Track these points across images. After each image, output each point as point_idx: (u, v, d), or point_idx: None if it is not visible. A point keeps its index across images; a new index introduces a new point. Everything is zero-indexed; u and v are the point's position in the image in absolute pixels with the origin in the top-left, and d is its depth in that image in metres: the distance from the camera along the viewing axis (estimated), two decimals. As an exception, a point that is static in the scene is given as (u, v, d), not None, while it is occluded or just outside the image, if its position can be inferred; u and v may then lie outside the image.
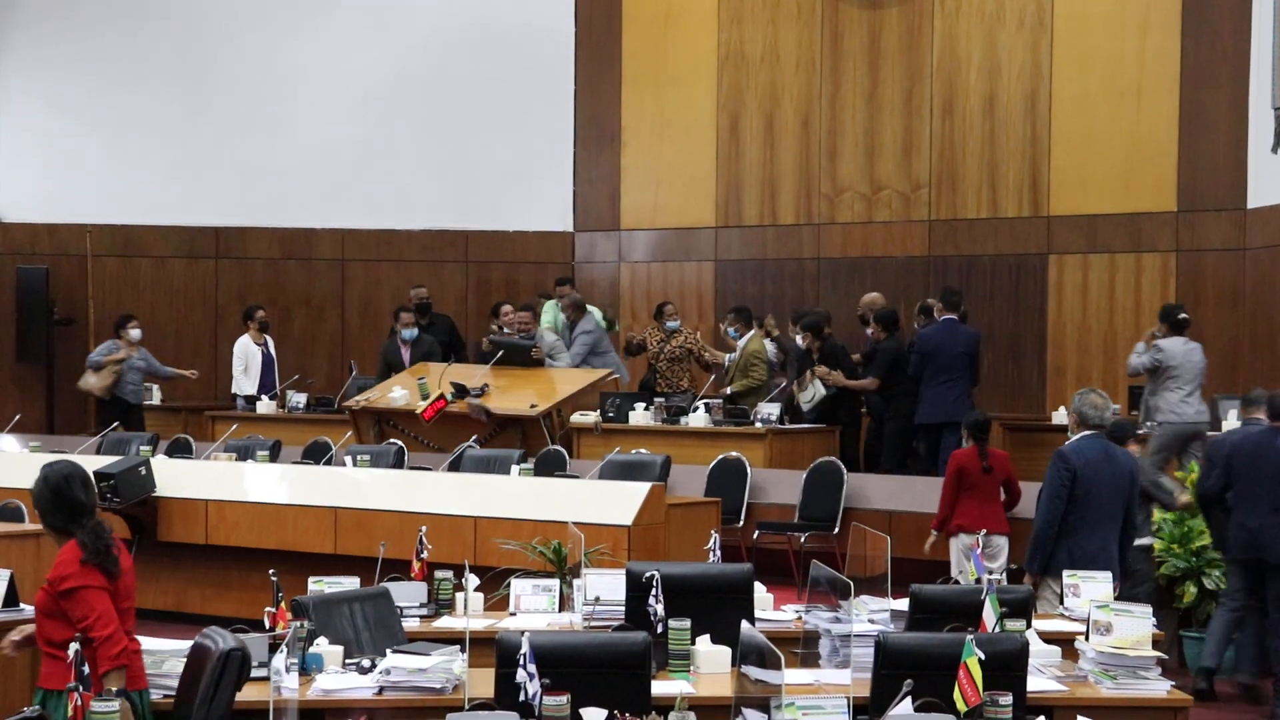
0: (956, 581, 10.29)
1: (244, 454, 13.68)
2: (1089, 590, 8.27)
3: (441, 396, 14.42)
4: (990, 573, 9.99)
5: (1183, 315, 13.37)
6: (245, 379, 17.05)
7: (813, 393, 14.76)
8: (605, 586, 7.62)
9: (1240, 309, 15.68)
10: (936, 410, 13.93)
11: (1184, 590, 10.73)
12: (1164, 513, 10.93)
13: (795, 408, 14.90)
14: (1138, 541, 10.05)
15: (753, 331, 15.61)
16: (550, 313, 16.72)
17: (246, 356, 17.12)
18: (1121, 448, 9.62)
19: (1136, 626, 6.86)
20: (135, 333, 16.99)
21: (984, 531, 10.77)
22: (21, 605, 8.25)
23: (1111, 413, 9.47)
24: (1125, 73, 16.34)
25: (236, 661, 5.80)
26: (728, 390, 15.26)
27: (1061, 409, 14.49)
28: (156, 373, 17.32)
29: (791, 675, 5.94)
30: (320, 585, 8.09)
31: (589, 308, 16.42)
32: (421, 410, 14.36)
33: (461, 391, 14.47)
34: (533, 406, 14.44)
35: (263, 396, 16.87)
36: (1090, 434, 9.28)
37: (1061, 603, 8.47)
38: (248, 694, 6.36)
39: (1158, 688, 6.75)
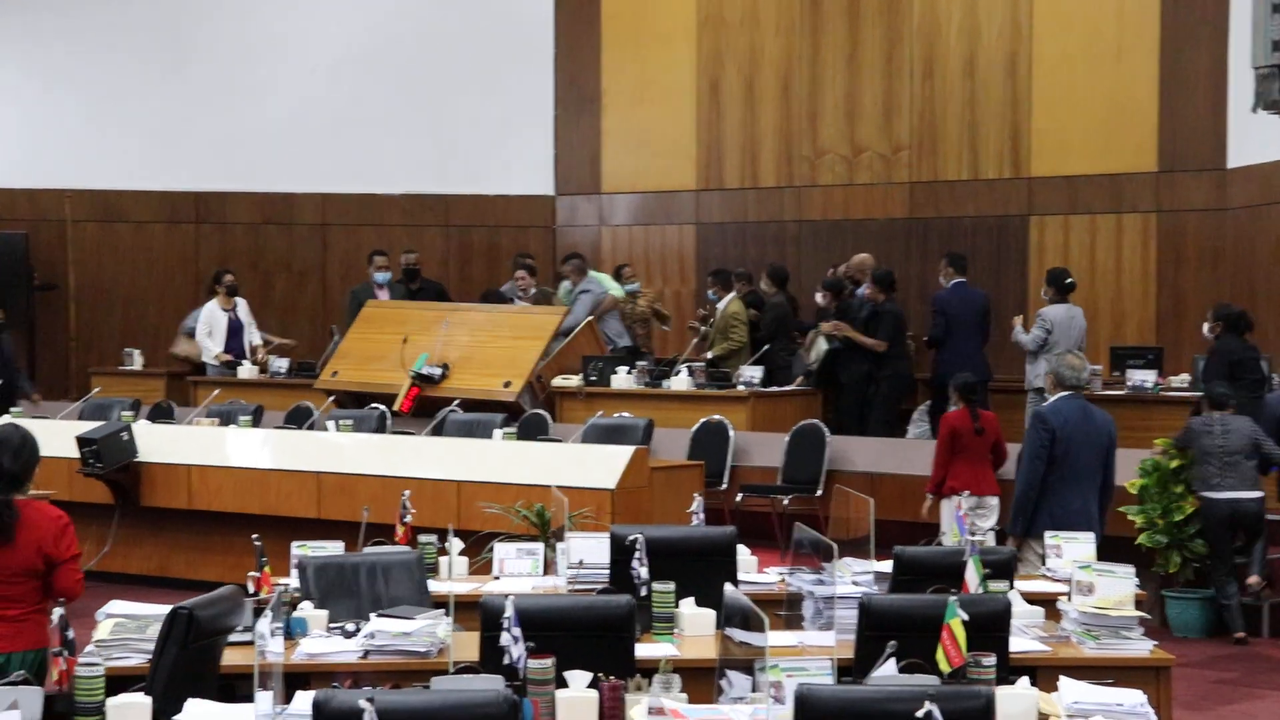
0: (941, 543, 10.35)
1: (226, 419, 13.65)
2: (1071, 551, 8.30)
3: (414, 385, 14.36)
4: (980, 533, 10.11)
5: (1069, 280, 13.91)
6: (210, 343, 16.97)
7: (818, 350, 14.83)
8: (589, 550, 7.62)
9: (1221, 269, 15.70)
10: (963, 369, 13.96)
11: (1167, 560, 10.77)
12: (1145, 480, 10.96)
13: (788, 366, 14.96)
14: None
15: (731, 294, 15.61)
16: (563, 296, 16.70)
17: (211, 321, 17.03)
18: (1100, 409, 9.67)
19: (1119, 587, 6.88)
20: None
21: (967, 493, 10.83)
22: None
23: (1089, 373, 9.52)
24: (1105, 33, 16.31)
25: (182, 620, 5.79)
26: (709, 354, 15.25)
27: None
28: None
29: (775, 637, 5.93)
30: (304, 549, 8.09)
31: (597, 274, 16.43)
32: (398, 404, 14.30)
33: (423, 380, 14.40)
34: (506, 385, 14.39)
35: (242, 362, 16.82)
36: (1068, 394, 9.38)
37: (1044, 563, 8.51)
38: (232, 658, 6.38)
39: (1140, 647, 6.76)
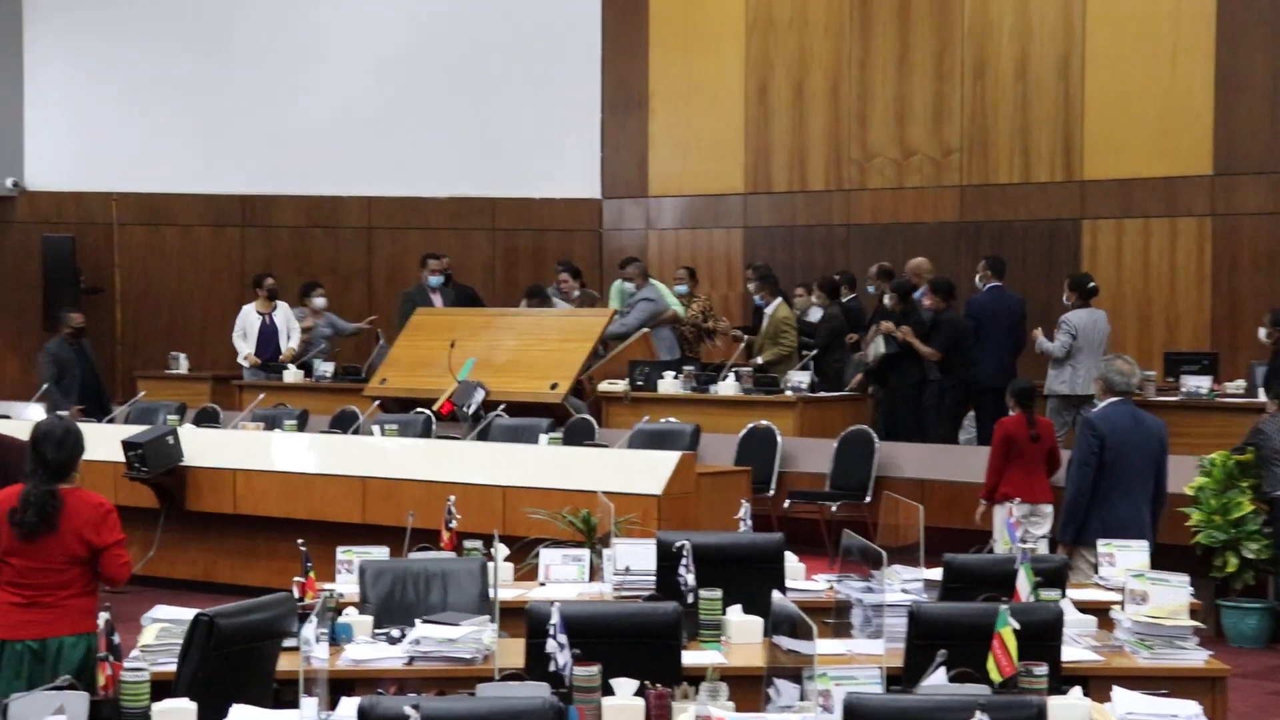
0: (992, 550, 10.25)
1: (272, 423, 13.66)
2: (1124, 559, 8.21)
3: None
4: (1033, 541, 10.06)
5: (1092, 285, 13.95)
6: (243, 344, 17.02)
7: (876, 350, 14.74)
8: (635, 556, 7.60)
9: (1277, 273, 15.54)
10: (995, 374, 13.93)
11: (1224, 560, 10.65)
12: (1204, 479, 10.84)
13: (839, 375, 14.89)
14: None
15: (779, 299, 15.51)
16: (616, 294, 16.66)
17: (245, 323, 17.07)
18: (1151, 415, 9.57)
19: (1173, 595, 6.81)
20: (320, 300, 17.17)
21: (1019, 500, 10.71)
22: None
23: (1139, 378, 9.41)
24: (1160, 34, 16.16)
25: (204, 626, 5.77)
26: (758, 360, 15.16)
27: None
28: (343, 333, 17.47)
29: (824, 645, 5.90)
30: (349, 555, 8.08)
31: (659, 284, 16.40)
32: (439, 405, 14.26)
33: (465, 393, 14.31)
34: (553, 387, 14.35)
35: (288, 365, 16.85)
36: (1117, 400, 9.28)
37: (1096, 572, 8.42)
38: (278, 664, 6.36)
39: (1195, 657, 6.69)
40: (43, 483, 6.52)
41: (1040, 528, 11.06)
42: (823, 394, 14.55)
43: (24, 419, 14.08)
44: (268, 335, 17.09)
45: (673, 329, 16.16)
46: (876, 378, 14.67)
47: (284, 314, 17.26)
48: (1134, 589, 6.87)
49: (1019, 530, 10.73)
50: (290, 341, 17.15)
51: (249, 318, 17.08)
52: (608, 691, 5.58)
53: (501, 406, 13.65)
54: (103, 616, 5.72)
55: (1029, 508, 11.03)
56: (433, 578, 7.28)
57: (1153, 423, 9.49)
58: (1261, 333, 12.56)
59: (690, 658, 6.28)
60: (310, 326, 17.14)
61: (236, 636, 5.85)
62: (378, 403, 14.63)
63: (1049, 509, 11.14)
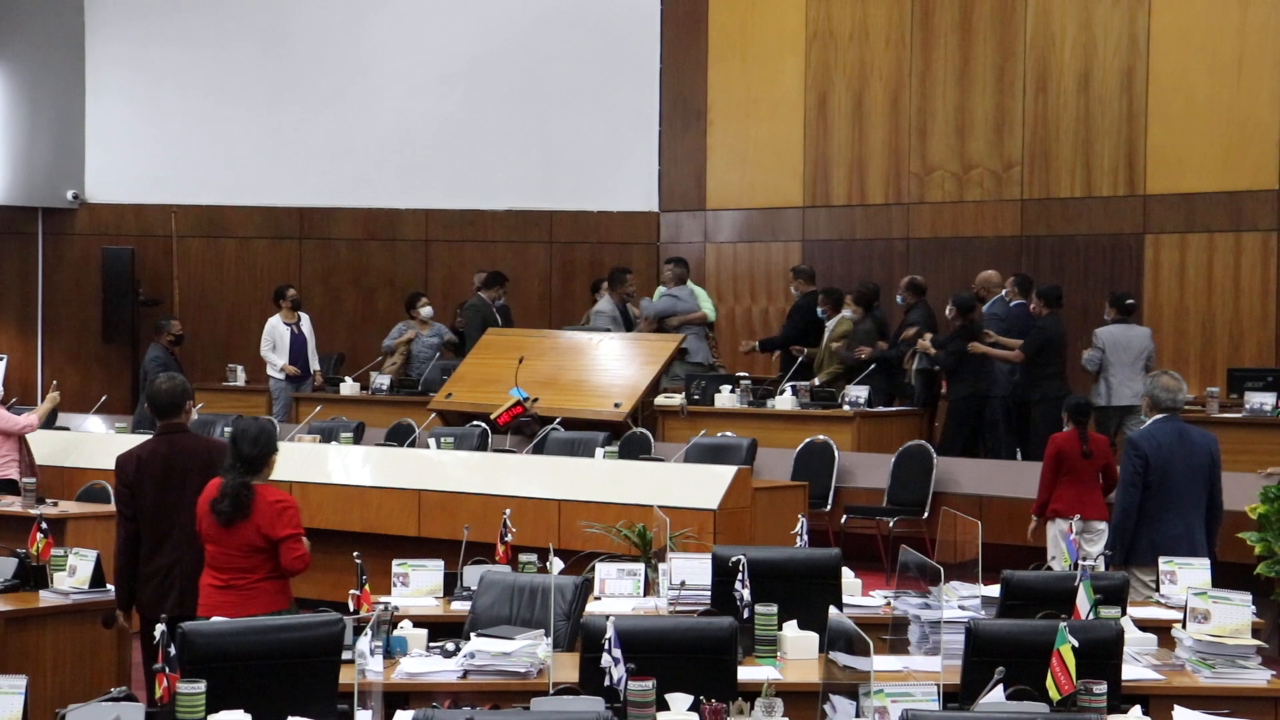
0: (1050, 567, 10.17)
1: (328, 436, 13.69)
2: (1186, 577, 8.14)
3: (519, 403, 14.30)
4: (1088, 559, 9.94)
5: (1129, 301, 14.15)
6: (274, 356, 17.09)
7: (915, 365, 14.77)
8: (691, 571, 7.58)
9: (1342, 289, 15.40)
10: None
11: (1284, 589, 10.51)
12: (1265, 506, 10.71)
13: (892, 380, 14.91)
14: None
15: (840, 314, 15.44)
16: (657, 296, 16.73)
17: (274, 336, 17.15)
18: (1200, 429, 9.52)
19: (1235, 614, 6.74)
20: (426, 310, 17.20)
21: (1077, 516, 10.62)
22: (108, 586, 8.27)
23: (1184, 396, 9.34)
24: (1225, 47, 16.01)
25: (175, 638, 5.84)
26: (817, 380, 15.01)
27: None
28: (451, 342, 17.50)
29: (880, 662, 5.85)
30: (404, 568, 8.08)
31: (698, 289, 16.42)
32: (497, 415, 14.26)
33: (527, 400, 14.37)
34: (616, 406, 14.35)
35: (309, 376, 17.00)
36: (1163, 417, 9.22)
37: (1155, 590, 8.34)
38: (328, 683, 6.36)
39: (1258, 677, 6.61)
40: (238, 476, 7.21)
41: (1095, 545, 10.88)
42: (880, 409, 14.51)
43: (83, 430, 14.18)
44: (298, 346, 17.16)
45: (703, 335, 16.23)
46: (921, 394, 14.67)
47: (308, 325, 17.35)
48: (1196, 607, 6.80)
49: (1076, 547, 10.75)
50: (312, 354, 17.29)
51: (278, 330, 17.15)
52: (662, 706, 5.57)
53: (557, 420, 13.64)
54: (160, 628, 5.72)
55: (1081, 524, 10.81)
56: (535, 591, 7.31)
57: (1201, 438, 9.39)
58: None
59: (746, 673, 6.25)
60: (413, 337, 17.19)
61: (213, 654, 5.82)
62: (434, 415, 14.64)
63: (1102, 526, 11.00)
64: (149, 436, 8.12)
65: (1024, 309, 14.67)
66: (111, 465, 11.79)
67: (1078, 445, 11.02)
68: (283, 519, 7.23)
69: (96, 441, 13.70)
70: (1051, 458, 11.08)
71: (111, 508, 10.49)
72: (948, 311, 14.90)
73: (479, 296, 16.94)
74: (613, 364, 15.03)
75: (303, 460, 12.53)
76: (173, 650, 5.64)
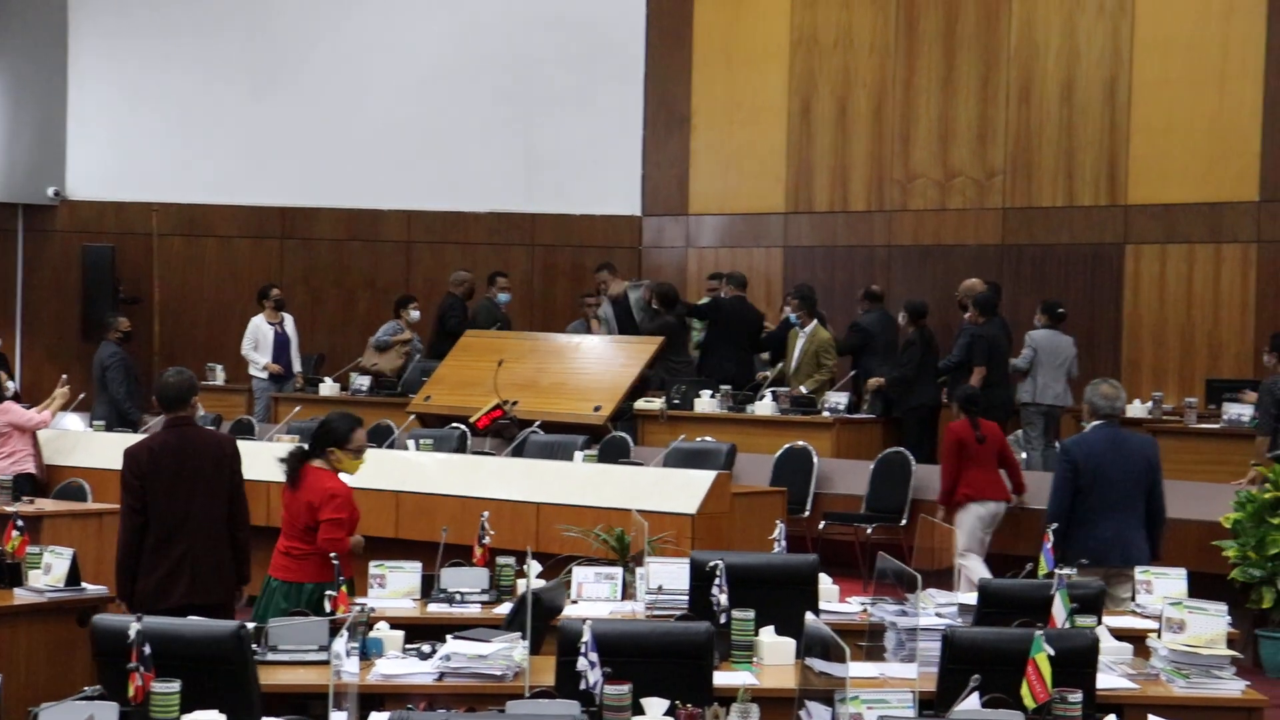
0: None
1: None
2: (1162, 587, 8.16)
3: (498, 406, 14.29)
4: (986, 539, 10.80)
5: (1060, 310, 14.78)
6: (257, 355, 17.08)
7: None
8: (668, 575, 7.58)
9: (1321, 300, 15.43)
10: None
11: (1260, 595, 10.55)
12: (1239, 513, 10.76)
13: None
14: None
15: (815, 321, 15.36)
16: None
17: (257, 335, 17.15)
18: (1138, 434, 9.96)
19: (1210, 624, 6.75)
20: (415, 314, 17.19)
21: (988, 501, 11.49)
22: (84, 584, 8.25)
23: (1122, 403, 9.59)
24: (1208, 58, 16.05)
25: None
26: (802, 389, 14.96)
27: (1136, 402, 14.50)
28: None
29: (856, 668, 5.86)
30: (382, 569, 8.08)
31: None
32: (476, 418, 14.24)
33: (506, 404, 14.35)
34: (596, 409, 14.34)
35: (293, 375, 17.00)
36: (1100, 423, 9.45)
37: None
38: (307, 677, 6.37)
39: (1232, 687, 6.62)
40: (300, 450, 8.08)
41: (994, 526, 11.58)
42: (860, 415, 14.55)
43: (60, 428, 14.12)
44: (282, 346, 17.16)
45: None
46: (884, 403, 14.75)
47: (291, 325, 17.35)
48: (1171, 617, 6.81)
49: (983, 533, 11.42)
50: (295, 354, 17.28)
51: (261, 329, 17.18)
52: (638, 711, 5.56)
53: (537, 423, 13.63)
54: (134, 628, 5.70)
55: (992, 506, 11.56)
56: None
57: (1138, 443, 9.64)
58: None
59: (722, 678, 6.25)
60: (409, 339, 17.18)
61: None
62: (413, 417, 14.62)
63: (1004, 507, 11.67)
64: (156, 430, 8.41)
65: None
66: (88, 463, 11.78)
67: (971, 432, 11.55)
68: (330, 505, 7.84)
69: (73, 439, 13.66)
70: (952, 446, 11.60)
71: (88, 505, 10.52)
72: (901, 318, 15.00)
73: (487, 297, 16.92)
74: (593, 366, 15.03)
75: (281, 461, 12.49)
76: (147, 649, 5.62)
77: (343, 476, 8.06)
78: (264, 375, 16.99)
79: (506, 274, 17.49)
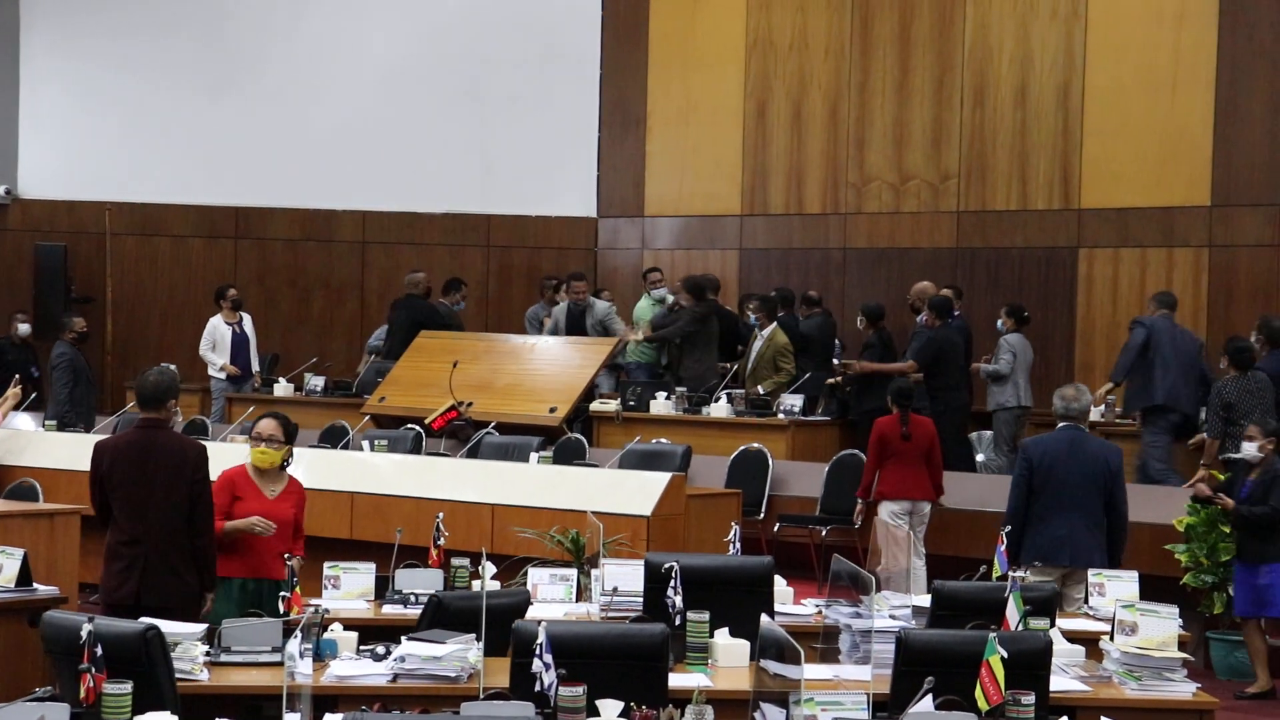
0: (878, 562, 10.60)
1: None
2: (1114, 589, 8.20)
3: (454, 407, 14.25)
4: (913, 537, 11.06)
5: (1026, 314, 15.00)
6: (214, 356, 17.01)
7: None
8: (623, 577, 7.58)
9: (1273, 305, 15.45)
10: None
11: (1211, 601, 10.61)
12: (1192, 518, 10.81)
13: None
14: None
15: (774, 324, 15.35)
16: (646, 307, 16.56)
17: (215, 336, 17.07)
18: (1100, 439, 10.07)
19: (1162, 627, 6.79)
20: None
21: (902, 499, 11.67)
22: (35, 585, 8.20)
23: (1079, 405, 9.69)
24: (1160, 65, 16.14)
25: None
26: (760, 389, 14.94)
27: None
28: None
29: (811, 670, 5.87)
30: (336, 570, 8.05)
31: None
32: (431, 420, 14.20)
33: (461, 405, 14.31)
34: (551, 410, 14.32)
35: (252, 375, 16.93)
36: (1064, 425, 9.62)
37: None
38: (261, 679, 6.34)
39: (1183, 689, 6.67)
40: None
41: (923, 526, 11.72)
42: (815, 418, 14.57)
43: (10, 428, 14.03)
44: (239, 345, 17.09)
45: None
46: (840, 405, 14.81)
47: (249, 325, 17.28)
48: (1124, 620, 6.85)
49: (901, 528, 11.54)
50: (254, 354, 17.22)
51: (219, 330, 17.09)
52: (593, 712, 5.55)
53: (492, 424, 13.61)
54: (85, 628, 5.67)
55: (908, 504, 11.71)
56: None
57: (1098, 448, 9.74)
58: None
59: (676, 680, 6.25)
60: None
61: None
62: (368, 418, 14.58)
63: (928, 507, 11.78)
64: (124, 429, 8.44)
65: (960, 321, 14.85)
66: (40, 463, 11.72)
67: (897, 429, 11.65)
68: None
69: (24, 439, 13.57)
70: (874, 442, 11.76)
71: (40, 505, 10.45)
72: (858, 322, 15.05)
73: (442, 303, 16.80)
74: (548, 368, 15.01)
75: (235, 461, 12.43)
76: (99, 650, 5.59)
77: (248, 466, 8.24)
78: (222, 376, 16.92)
79: (466, 283, 17.31)
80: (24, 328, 17.42)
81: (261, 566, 8.02)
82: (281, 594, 7.33)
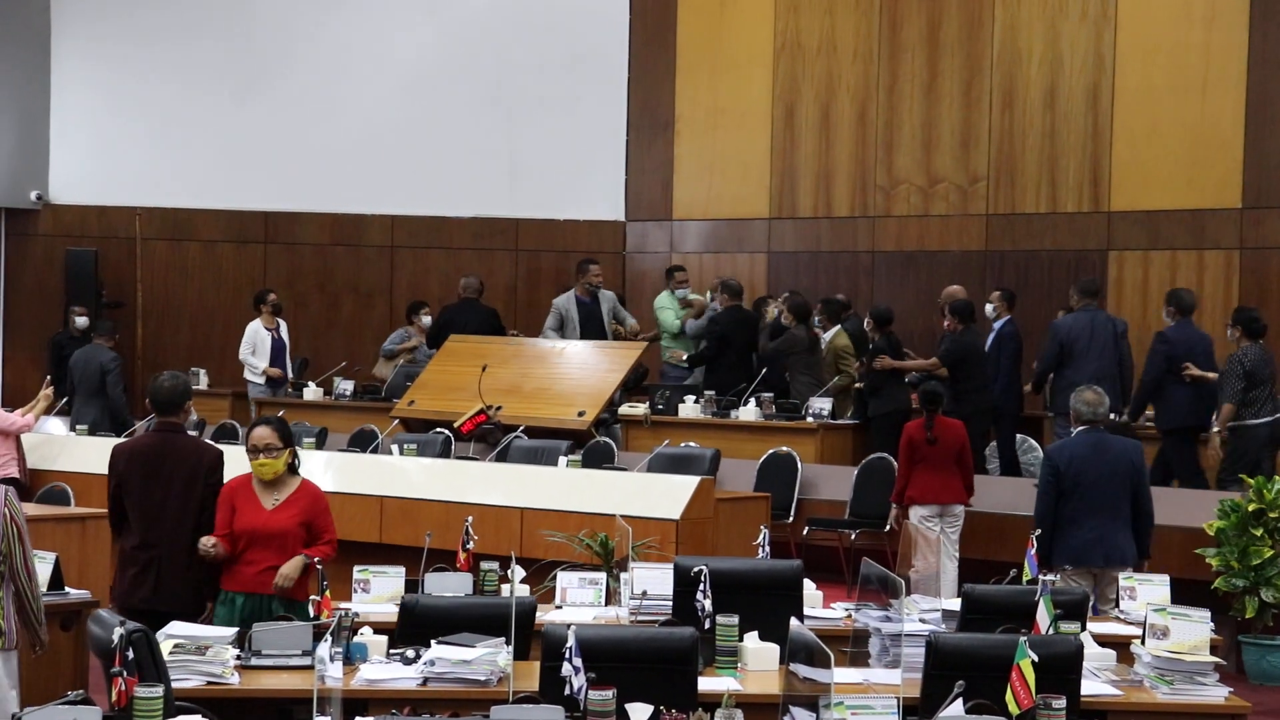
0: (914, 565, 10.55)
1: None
2: (1146, 594, 8.18)
3: (482, 411, 14.25)
4: (945, 541, 11.10)
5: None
6: (255, 360, 17.07)
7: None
8: (652, 581, 7.57)
9: (1305, 306, 15.43)
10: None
11: (1244, 605, 10.56)
12: (1222, 522, 10.78)
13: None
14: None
15: (837, 327, 15.36)
16: (669, 303, 16.55)
17: (255, 340, 17.12)
18: (1121, 438, 10.09)
19: (1194, 631, 6.76)
20: (427, 319, 17.08)
21: (931, 504, 11.69)
22: (67, 589, 8.23)
23: (1104, 410, 9.73)
24: (1190, 66, 16.08)
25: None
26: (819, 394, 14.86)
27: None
28: None
29: (840, 674, 5.86)
30: (365, 574, 8.06)
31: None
32: (460, 424, 14.20)
33: (490, 409, 14.31)
34: (580, 414, 14.30)
35: (291, 381, 16.96)
36: (1084, 429, 9.64)
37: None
38: (291, 682, 6.36)
39: (1215, 694, 6.64)
40: None
41: (953, 528, 11.73)
42: (844, 421, 14.54)
43: (43, 432, 14.09)
44: (278, 350, 17.14)
45: None
46: (859, 408, 14.76)
47: (286, 330, 17.35)
48: (1155, 623, 6.82)
49: (932, 531, 11.63)
50: (288, 358, 17.27)
51: (259, 334, 17.14)
52: (622, 716, 5.56)
53: (521, 428, 13.62)
54: (117, 631, 5.69)
55: (937, 508, 11.73)
56: None
57: (1122, 447, 9.76)
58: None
59: (706, 684, 6.24)
60: (415, 346, 17.14)
61: None
62: (397, 422, 14.59)
63: (959, 509, 11.78)
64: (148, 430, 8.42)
65: (1011, 325, 14.64)
66: (70, 467, 11.77)
67: (922, 433, 11.70)
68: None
69: (57, 444, 13.63)
70: (904, 446, 11.80)
71: (71, 510, 10.49)
72: (865, 324, 14.96)
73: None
74: (576, 372, 14.98)
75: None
76: (130, 654, 5.61)
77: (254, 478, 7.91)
78: (261, 380, 16.97)
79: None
80: (81, 320, 17.55)
81: (252, 582, 7.71)
82: (312, 597, 7.34)
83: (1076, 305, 13.90)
